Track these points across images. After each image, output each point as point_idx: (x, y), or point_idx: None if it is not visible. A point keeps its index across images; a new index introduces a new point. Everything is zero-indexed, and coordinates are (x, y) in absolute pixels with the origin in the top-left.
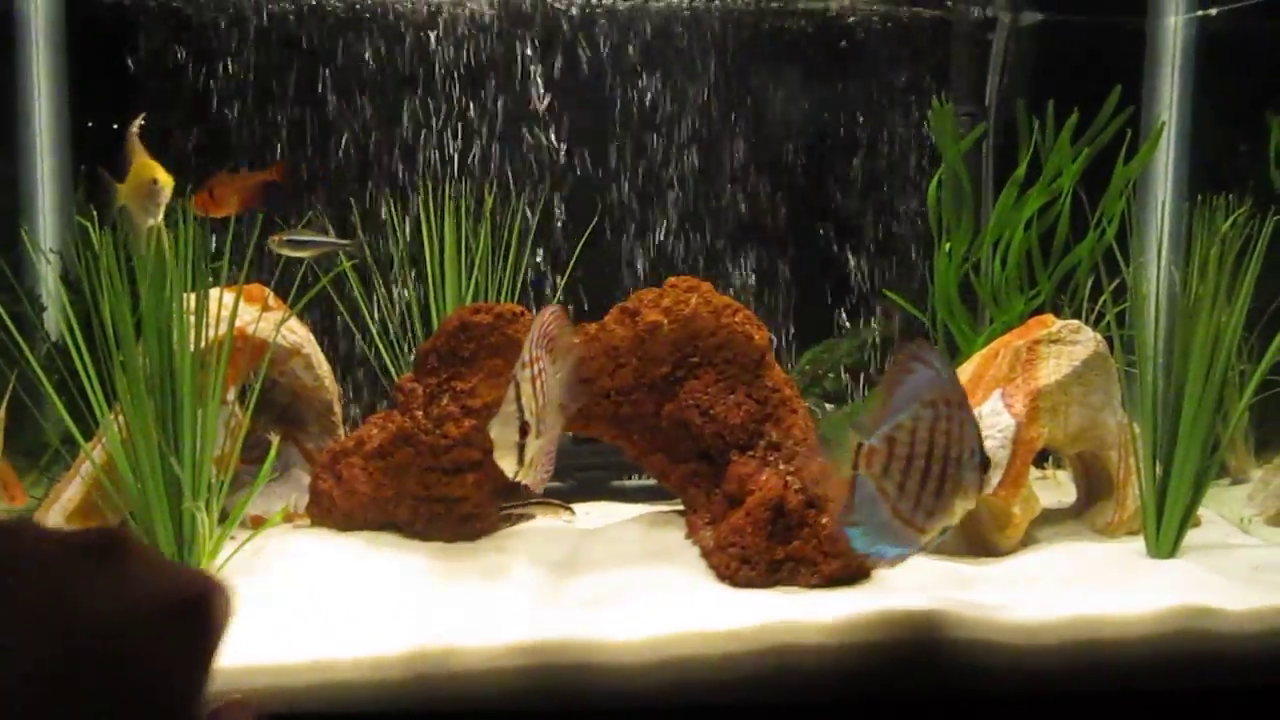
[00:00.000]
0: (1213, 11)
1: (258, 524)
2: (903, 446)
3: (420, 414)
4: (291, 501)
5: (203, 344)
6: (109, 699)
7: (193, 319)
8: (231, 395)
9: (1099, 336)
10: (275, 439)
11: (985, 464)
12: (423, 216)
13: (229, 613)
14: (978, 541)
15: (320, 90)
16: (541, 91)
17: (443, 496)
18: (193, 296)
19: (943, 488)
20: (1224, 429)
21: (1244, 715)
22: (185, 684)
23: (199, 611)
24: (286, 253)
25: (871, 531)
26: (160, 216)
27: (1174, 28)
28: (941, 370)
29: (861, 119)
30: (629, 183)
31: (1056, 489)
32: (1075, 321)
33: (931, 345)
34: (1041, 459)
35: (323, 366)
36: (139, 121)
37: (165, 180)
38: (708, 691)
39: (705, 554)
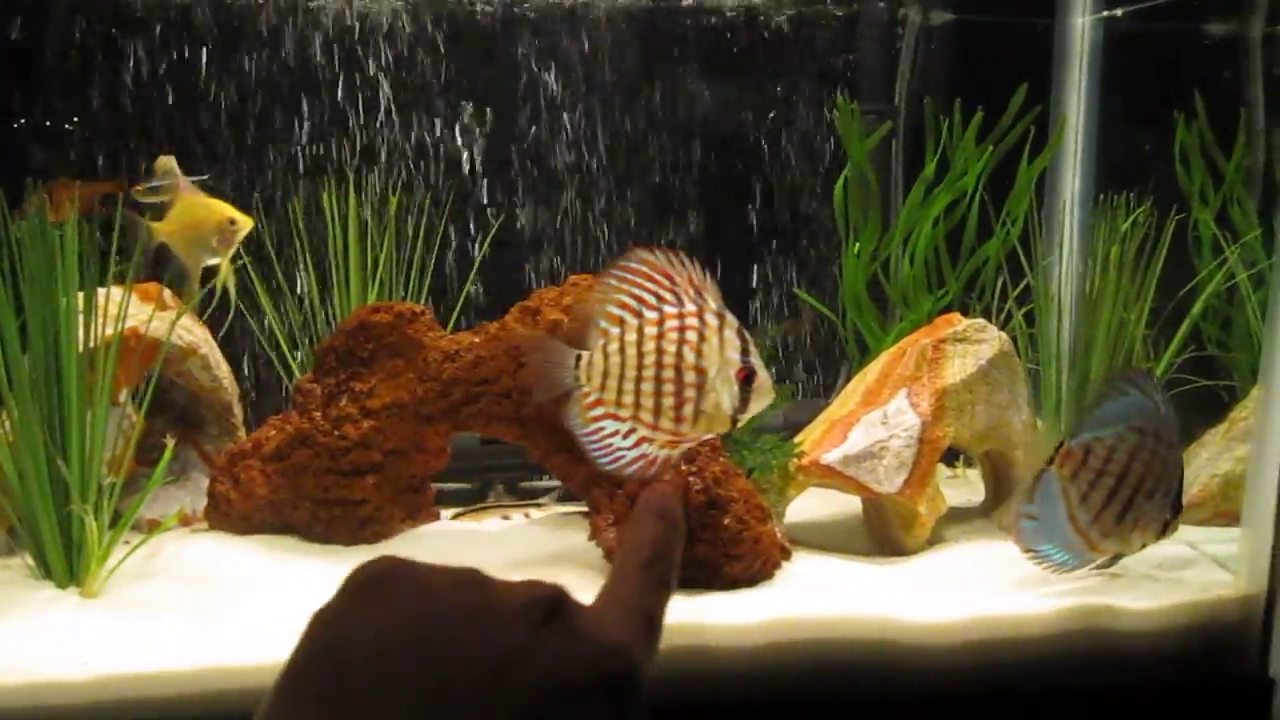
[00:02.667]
0: (1118, 12)
1: (154, 528)
2: (1097, 460)
3: (318, 415)
4: (189, 504)
5: (92, 343)
6: None
7: (81, 318)
8: (125, 396)
9: (1004, 335)
10: (171, 441)
11: (1177, 509)
12: (327, 214)
13: (647, 684)
14: (884, 541)
15: (219, 83)
16: (447, 88)
17: (341, 499)
18: (81, 295)
19: (1125, 514)
20: None
21: (1143, 714)
22: None
23: (628, 685)
24: (151, 199)
25: (1043, 529)
26: (229, 256)
27: (1081, 28)
28: (1161, 404)
29: (768, 118)
30: (531, 184)
31: (966, 488)
32: (981, 320)
33: (1153, 376)
34: (953, 458)
35: (221, 367)
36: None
37: (244, 220)
38: None
39: (608, 556)
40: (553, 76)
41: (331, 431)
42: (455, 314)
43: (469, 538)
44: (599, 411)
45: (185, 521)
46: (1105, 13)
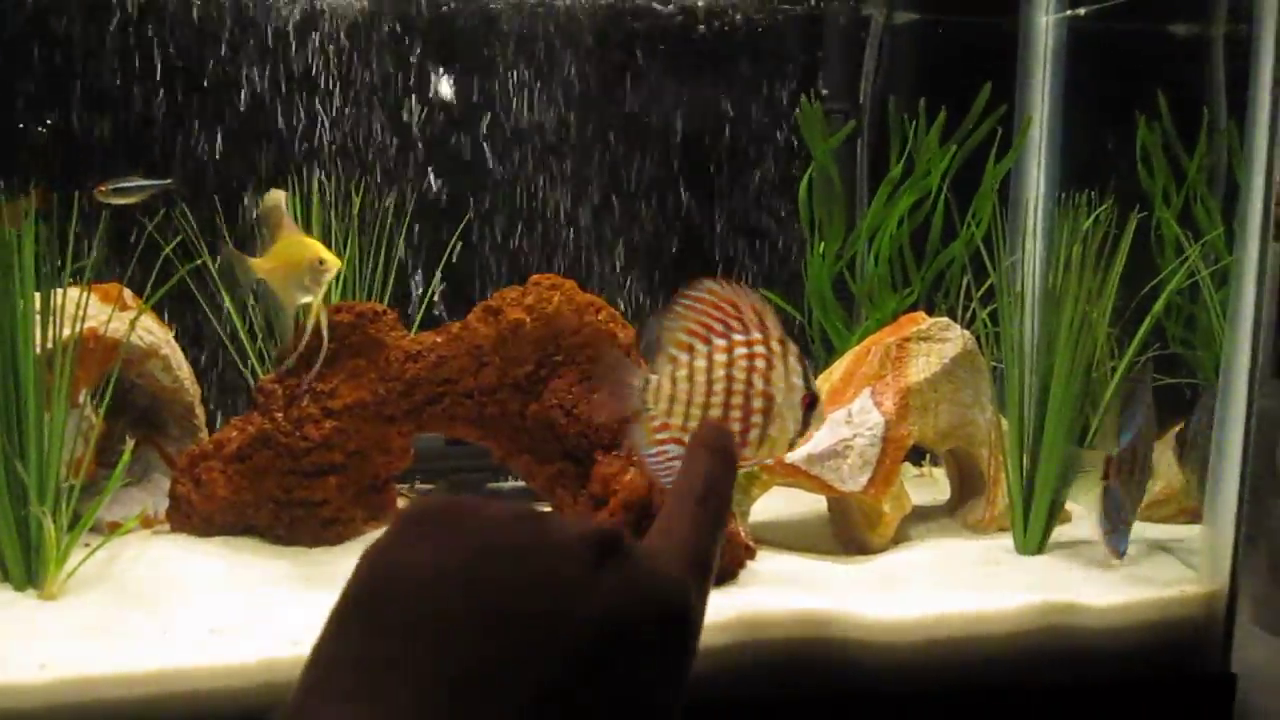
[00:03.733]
0: (1081, 11)
1: (114, 530)
2: (1128, 455)
3: (280, 416)
4: (150, 506)
5: (50, 345)
6: (597, 715)
7: (39, 319)
8: (84, 398)
9: (968, 334)
10: (130, 442)
11: None
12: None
13: (701, 623)
14: (849, 539)
15: (175, 83)
16: (404, 87)
17: (303, 500)
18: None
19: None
20: (1093, 421)
21: (1106, 710)
22: (667, 700)
23: (684, 623)
24: (115, 201)
25: (1119, 531)
26: (320, 295)
27: (1045, 27)
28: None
29: (732, 117)
30: (492, 182)
31: (932, 486)
32: (945, 319)
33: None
34: (919, 456)
35: (183, 368)
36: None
37: (333, 261)
38: None
39: None
40: (512, 73)
41: (293, 432)
42: (420, 313)
43: None
44: (664, 435)
45: (146, 524)
46: (1069, 11)
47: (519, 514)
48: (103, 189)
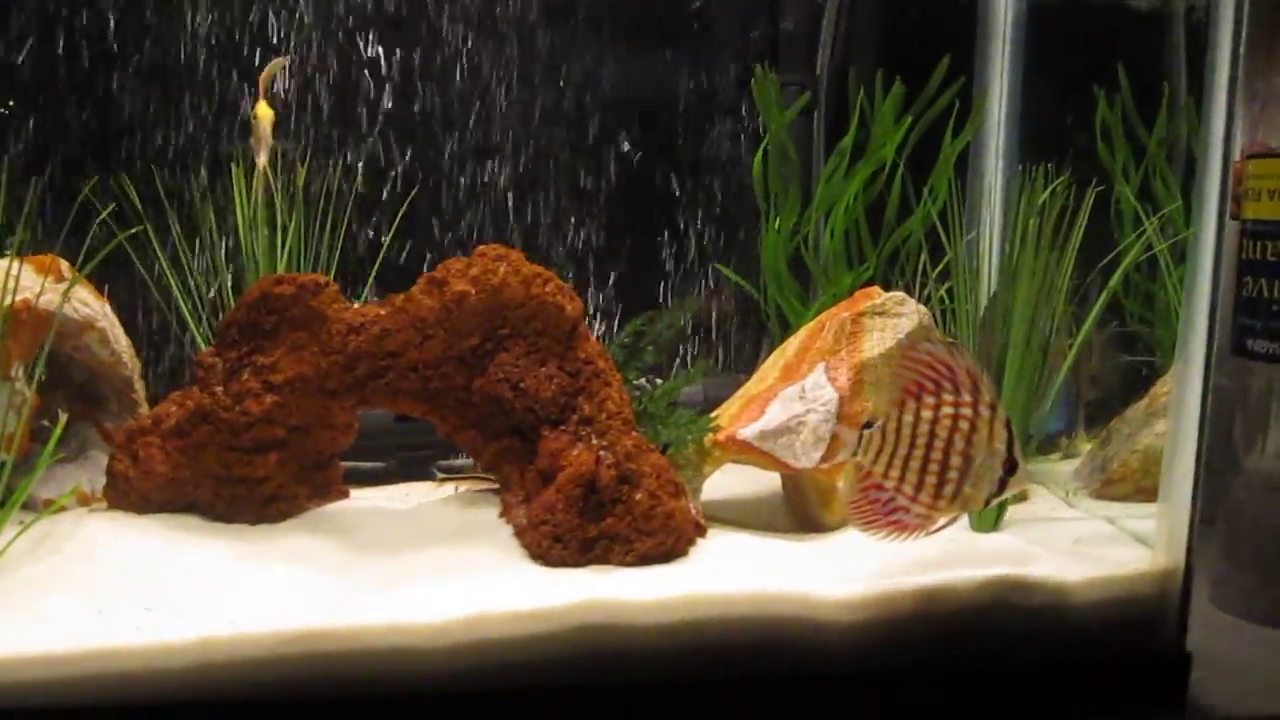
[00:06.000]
0: None
1: (49, 507)
2: None
3: (220, 390)
4: (87, 483)
5: None
6: None
7: None
8: (17, 371)
9: (923, 309)
10: (63, 417)
11: None
12: (234, 184)
13: None
14: (803, 517)
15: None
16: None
17: (244, 477)
18: None
19: None
20: (1048, 396)
21: (1061, 688)
22: None
23: None
24: None
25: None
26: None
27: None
28: None
29: (689, 88)
30: (445, 153)
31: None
32: (900, 294)
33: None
34: None
35: (120, 341)
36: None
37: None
38: (515, 672)
39: (518, 533)
40: (463, 45)
41: (233, 407)
42: (367, 287)
43: (375, 517)
44: (868, 482)
45: (84, 501)
46: None
47: None
48: None
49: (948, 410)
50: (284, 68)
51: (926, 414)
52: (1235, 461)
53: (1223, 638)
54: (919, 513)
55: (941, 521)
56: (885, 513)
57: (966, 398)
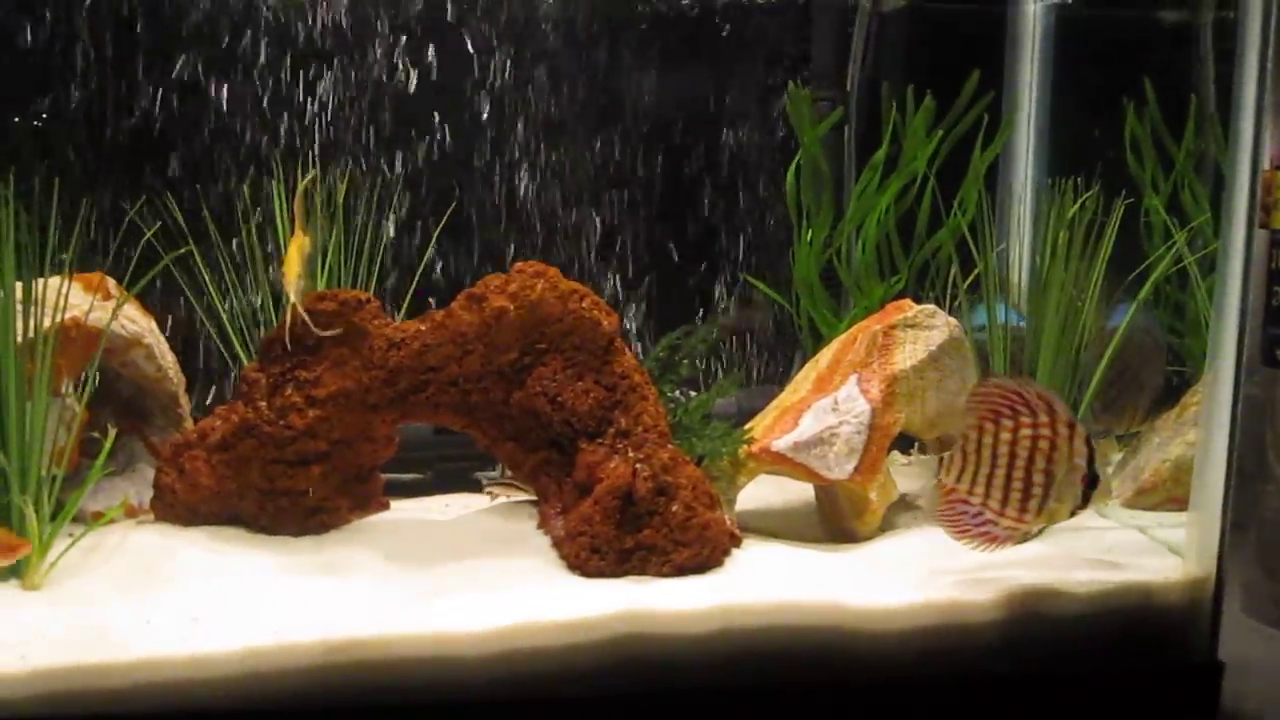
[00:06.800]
0: None
1: (98, 519)
2: None
3: (264, 404)
4: (134, 496)
5: (31, 334)
6: None
7: (20, 308)
8: (66, 387)
9: (954, 321)
10: (112, 431)
11: None
12: (277, 203)
13: None
14: (835, 528)
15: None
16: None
17: (287, 489)
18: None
19: None
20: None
21: (1093, 697)
22: None
23: None
24: None
25: None
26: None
27: (1033, 15)
28: None
29: (723, 104)
30: (481, 168)
31: (923, 475)
32: (931, 306)
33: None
34: (908, 445)
35: (166, 357)
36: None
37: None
38: (553, 682)
39: (556, 544)
40: (500, 62)
41: (277, 421)
42: (407, 301)
43: (416, 528)
44: (953, 496)
45: (131, 513)
46: None
47: None
48: None
49: (1026, 431)
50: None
51: (1005, 435)
52: (1266, 470)
53: (1255, 646)
54: (1008, 525)
55: (1032, 532)
56: (976, 524)
57: (1044, 418)
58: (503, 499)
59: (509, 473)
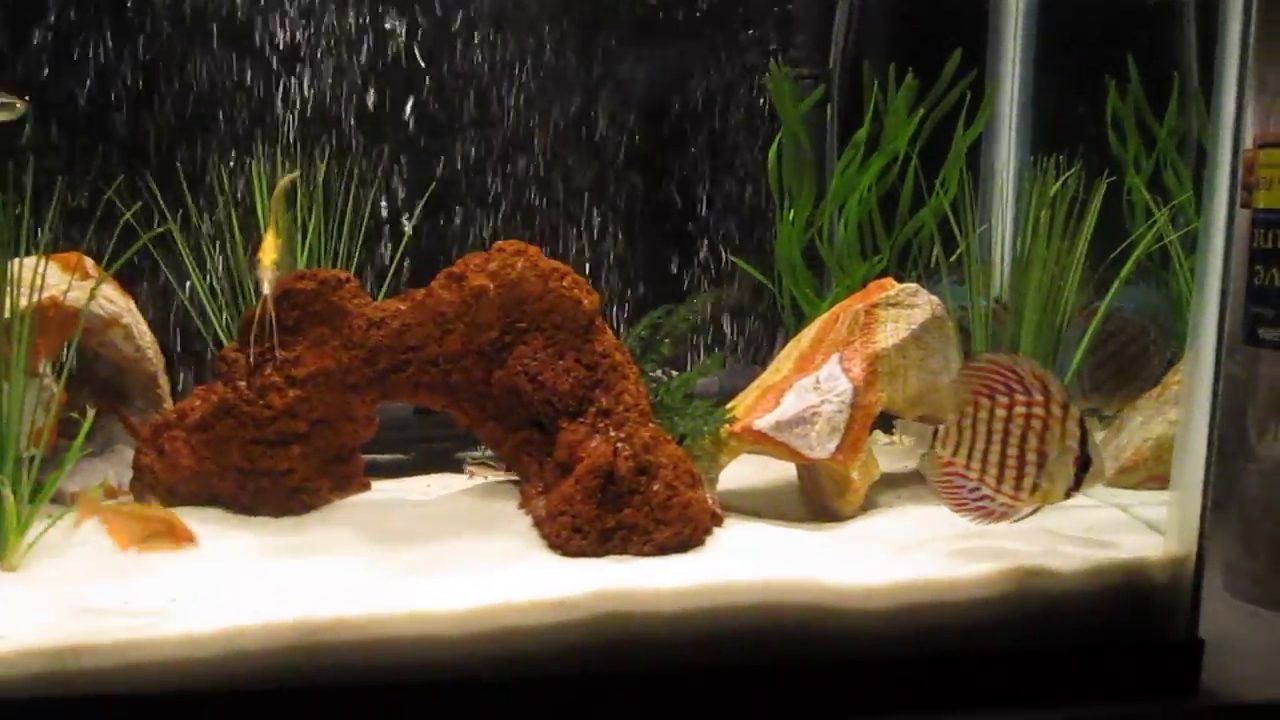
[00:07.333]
0: None
1: (76, 500)
2: None
3: (243, 384)
4: (113, 477)
5: (8, 314)
6: None
7: None
8: (44, 367)
9: (936, 300)
10: (91, 412)
11: None
12: (255, 180)
13: None
14: (818, 507)
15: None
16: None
17: (267, 470)
18: None
19: None
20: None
21: (1074, 674)
22: None
23: None
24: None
25: None
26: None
27: None
28: None
29: (704, 81)
30: (464, 146)
31: (905, 455)
32: (913, 285)
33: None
34: (889, 424)
35: (145, 337)
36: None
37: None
38: (533, 661)
39: (537, 523)
40: (479, 41)
41: (256, 401)
42: (386, 281)
43: (397, 509)
44: (950, 469)
45: (110, 494)
46: None
47: None
48: None
49: (1020, 410)
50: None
51: (1000, 413)
52: (1248, 449)
53: (1235, 624)
54: (1003, 502)
55: (1025, 511)
56: (973, 498)
57: (1037, 397)
58: (480, 479)
59: (489, 452)
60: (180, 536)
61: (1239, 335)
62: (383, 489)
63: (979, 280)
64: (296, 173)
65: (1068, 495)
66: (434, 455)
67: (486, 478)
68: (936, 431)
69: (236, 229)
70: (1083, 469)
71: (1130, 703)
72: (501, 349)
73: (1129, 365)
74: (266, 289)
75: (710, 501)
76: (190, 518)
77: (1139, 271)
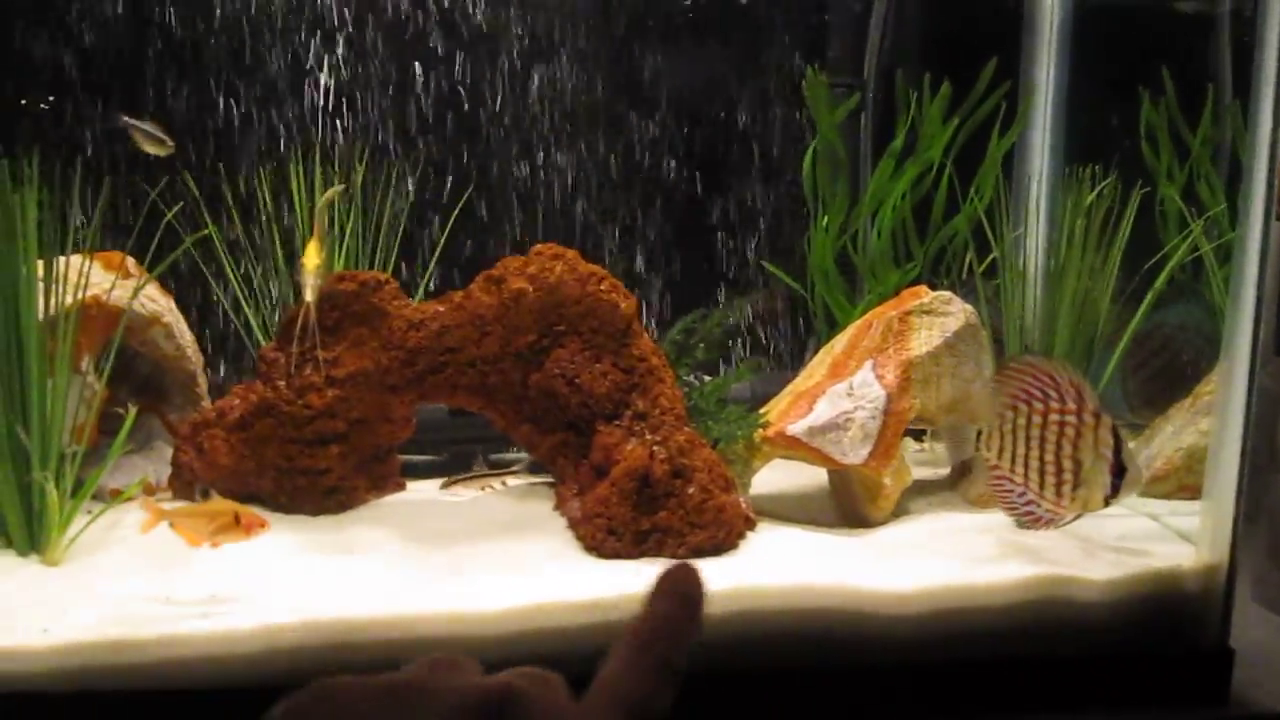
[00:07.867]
0: None
1: (117, 497)
2: None
3: (282, 384)
4: (153, 474)
5: (53, 311)
6: None
7: (41, 285)
8: (86, 364)
9: (970, 308)
10: (133, 410)
11: None
12: (293, 184)
13: None
14: (849, 513)
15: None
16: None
17: (305, 469)
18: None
19: None
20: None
21: (1104, 682)
22: None
23: None
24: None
25: None
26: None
27: (1051, 2)
28: None
29: (740, 90)
30: (500, 152)
31: (936, 462)
32: (947, 293)
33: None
34: (921, 432)
35: (185, 336)
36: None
37: (307, 263)
38: (570, 663)
39: (572, 525)
40: (515, 45)
41: (295, 400)
42: (424, 282)
43: (433, 509)
44: (998, 473)
45: (149, 491)
46: None
47: (394, 689)
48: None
49: (1054, 417)
50: (340, 194)
51: (1036, 419)
52: (1277, 460)
53: (1266, 634)
54: (1048, 508)
55: (1069, 517)
56: (1022, 502)
57: (1071, 405)
58: (465, 493)
59: (485, 465)
60: (250, 525)
61: (1271, 347)
62: (418, 489)
63: (1014, 288)
64: (342, 187)
65: (1106, 503)
66: (466, 457)
67: (468, 490)
68: (979, 435)
69: (277, 236)
70: (1118, 476)
71: (1160, 712)
72: (539, 352)
73: (1179, 380)
74: (309, 295)
75: (744, 505)
76: None
77: (1175, 288)
